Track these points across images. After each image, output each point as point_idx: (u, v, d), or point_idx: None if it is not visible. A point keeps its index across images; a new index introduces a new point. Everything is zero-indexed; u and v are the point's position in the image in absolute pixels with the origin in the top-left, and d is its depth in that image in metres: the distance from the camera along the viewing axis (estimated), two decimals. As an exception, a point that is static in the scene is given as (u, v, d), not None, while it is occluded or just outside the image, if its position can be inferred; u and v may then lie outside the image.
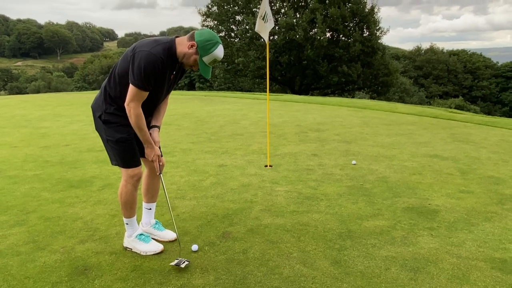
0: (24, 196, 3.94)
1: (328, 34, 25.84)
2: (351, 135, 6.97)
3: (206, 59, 2.43)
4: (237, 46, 26.38)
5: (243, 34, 25.45)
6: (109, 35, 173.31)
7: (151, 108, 2.67)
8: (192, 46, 2.42)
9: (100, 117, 2.60)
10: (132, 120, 2.48)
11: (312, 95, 27.26)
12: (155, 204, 3.06)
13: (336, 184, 4.25)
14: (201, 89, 47.80)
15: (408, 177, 4.49)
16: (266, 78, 27.30)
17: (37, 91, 58.50)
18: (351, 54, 25.07)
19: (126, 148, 2.61)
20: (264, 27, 4.78)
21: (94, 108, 2.67)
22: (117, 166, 2.71)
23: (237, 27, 26.94)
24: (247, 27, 25.17)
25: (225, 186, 4.21)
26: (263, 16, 4.77)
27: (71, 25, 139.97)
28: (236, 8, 26.34)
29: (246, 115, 9.60)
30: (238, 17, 26.82)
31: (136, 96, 2.42)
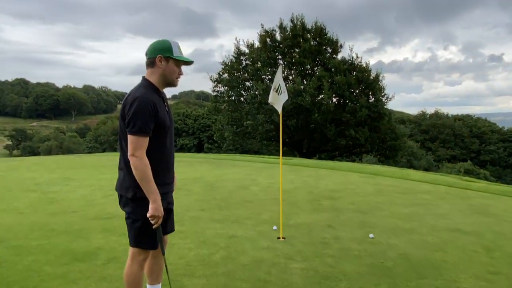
0: (27, 270, 3.74)
1: (334, 100, 26.54)
2: (366, 204, 6.76)
3: (176, 53, 2.49)
4: (246, 110, 27.12)
5: (253, 99, 26.27)
6: (123, 98, 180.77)
7: (172, 153, 2.61)
8: (160, 60, 2.47)
9: (134, 196, 2.43)
10: (139, 171, 2.32)
11: (320, 157, 27.33)
12: (160, 285, 2.85)
13: (355, 262, 3.99)
14: (210, 149, 48.42)
15: (431, 254, 4.22)
16: (274, 140, 27.66)
17: (49, 151, 59.81)
18: (358, 118, 25.49)
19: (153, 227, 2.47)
20: (278, 99, 4.86)
21: (121, 191, 2.52)
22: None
23: (246, 93, 27.90)
24: (256, 92, 26.06)
25: (236, 262, 3.97)
26: (276, 88, 4.88)
27: (87, 89, 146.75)
28: (246, 75, 27.50)
29: (255, 180, 9.49)
30: (247, 83, 27.89)
31: (140, 144, 2.34)
